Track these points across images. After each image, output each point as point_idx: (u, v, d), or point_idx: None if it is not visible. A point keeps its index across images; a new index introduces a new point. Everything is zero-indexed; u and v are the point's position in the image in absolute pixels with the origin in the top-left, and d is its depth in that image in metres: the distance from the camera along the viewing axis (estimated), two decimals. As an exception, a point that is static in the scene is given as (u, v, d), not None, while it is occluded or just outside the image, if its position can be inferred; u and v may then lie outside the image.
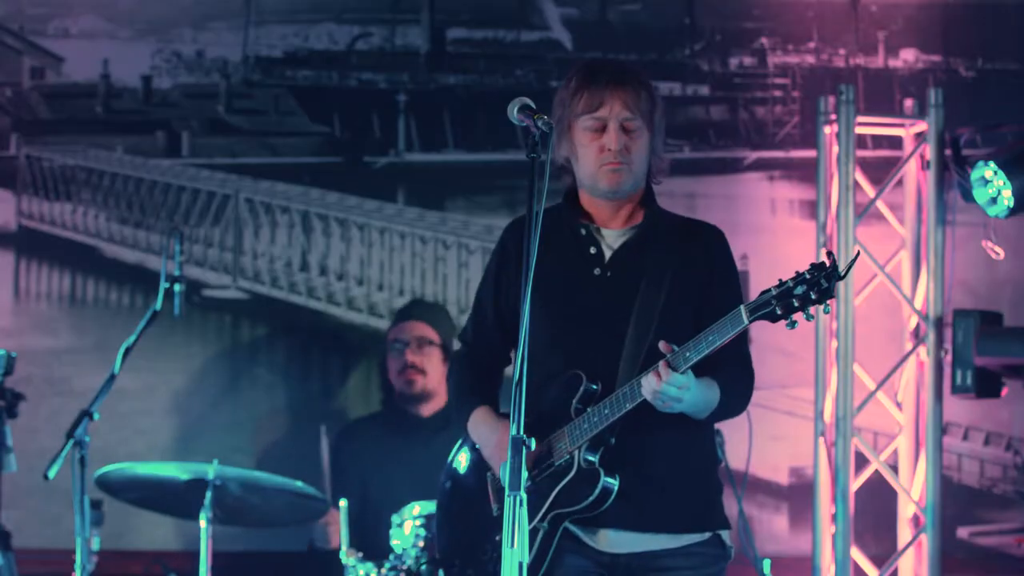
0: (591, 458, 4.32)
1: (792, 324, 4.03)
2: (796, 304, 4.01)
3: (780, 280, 4.07)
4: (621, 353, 4.37)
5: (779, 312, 4.03)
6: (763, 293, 4.07)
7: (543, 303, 4.35)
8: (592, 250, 4.47)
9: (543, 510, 4.35)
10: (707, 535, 4.45)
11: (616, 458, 4.33)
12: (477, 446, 4.59)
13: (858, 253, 4.29)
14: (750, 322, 4.09)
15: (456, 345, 4.85)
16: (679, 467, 4.42)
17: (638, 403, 4.24)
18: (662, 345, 4.19)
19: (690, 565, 4.41)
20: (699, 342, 4.16)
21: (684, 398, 4.21)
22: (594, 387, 4.35)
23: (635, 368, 4.31)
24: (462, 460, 4.70)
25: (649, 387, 4.18)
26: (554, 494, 4.35)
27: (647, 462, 4.36)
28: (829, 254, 4.02)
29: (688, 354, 4.16)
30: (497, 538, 4.25)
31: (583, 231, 4.49)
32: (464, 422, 4.58)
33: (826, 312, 4.09)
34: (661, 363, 4.18)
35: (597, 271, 4.44)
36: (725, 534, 4.50)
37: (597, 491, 4.29)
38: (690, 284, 4.44)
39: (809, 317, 4.03)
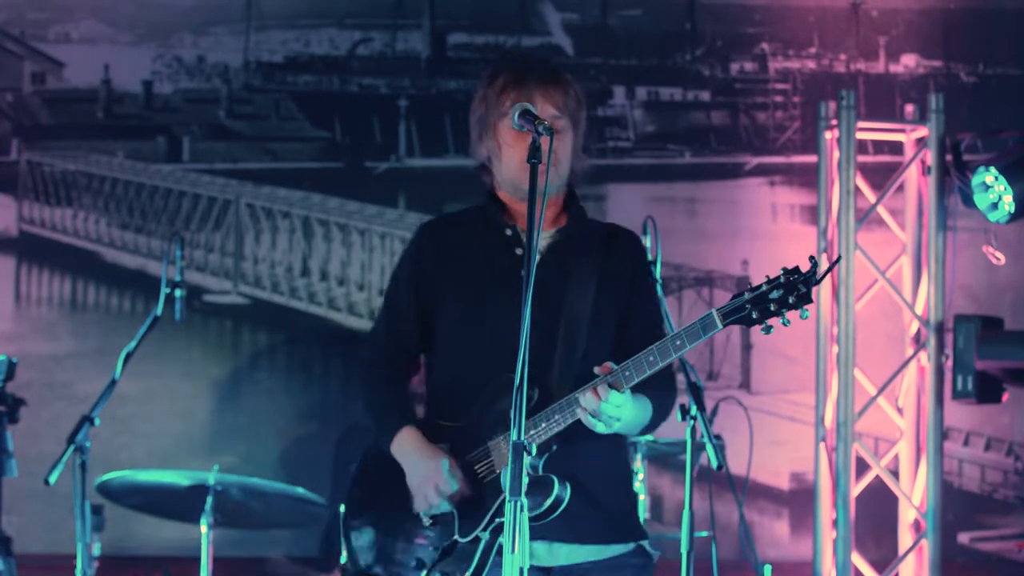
0: (537, 463, 4.19)
1: (768, 329, 3.93)
2: (772, 309, 3.91)
3: (750, 284, 3.98)
4: (554, 357, 4.29)
5: (754, 317, 3.93)
6: (735, 297, 3.98)
7: (470, 304, 4.31)
8: (518, 251, 4.37)
9: (485, 520, 4.21)
10: (632, 546, 4.38)
11: (554, 466, 4.21)
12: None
13: (839, 258, 4.24)
14: (724, 326, 3.98)
15: (366, 346, 4.62)
16: (604, 477, 4.34)
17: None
18: (597, 369, 4.10)
19: None
20: (664, 348, 4.05)
21: (622, 418, 4.13)
22: (528, 393, 4.13)
23: (570, 371, 4.25)
24: (376, 466, 4.48)
25: (590, 406, 4.08)
26: (498, 503, 4.18)
27: (575, 471, 4.23)
28: (811, 259, 3.92)
29: (652, 358, 4.05)
30: (432, 548, 4.22)
31: (508, 232, 4.40)
32: (387, 439, 4.36)
33: (803, 318, 3.97)
34: (600, 383, 4.08)
35: (524, 273, 4.26)
36: (647, 543, 4.43)
37: (551, 499, 4.13)
38: (615, 289, 4.38)
39: (786, 322, 3.94)
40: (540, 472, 4.18)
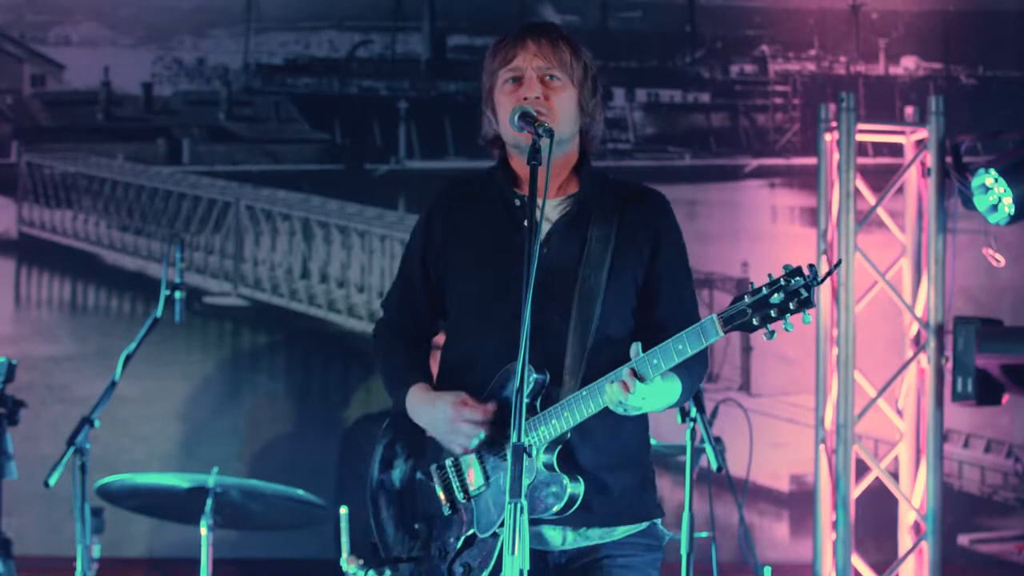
0: (549, 459, 4.09)
1: (771, 335, 3.78)
2: (774, 314, 3.75)
3: (752, 286, 3.81)
4: (567, 334, 4.15)
5: (756, 323, 3.77)
6: (736, 301, 3.82)
7: (478, 279, 4.20)
8: (527, 223, 4.10)
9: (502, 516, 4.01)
10: (643, 525, 4.26)
11: (564, 456, 4.12)
12: (400, 436, 4.33)
13: (839, 262, 4.10)
14: (726, 333, 3.81)
15: (380, 313, 4.57)
16: (612, 461, 4.20)
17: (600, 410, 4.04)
18: (635, 351, 3.98)
19: (625, 554, 4.22)
20: (667, 352, 3.91)
21: (644, 407, 4.03)
22: (540, 376, 4.08)
23: (583, 351, 4.13)
24: (389, 457, 4.40)
25: (614, 398, 3.96)
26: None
27: (584, 459, 4.15)
28: (810, 267, 3.77)
29: (655, 361, 3.93)
30: (452, 539, 4.14)
31: (517, 202, 4.24)
32: (401, 400, 4.31)
33: (806, 322, 3.80)
34: (627, 372, 3.94)
35: (525, 272, 4.01)
36: (659, 522, 4.30)
37: (564, 500, 4.06)
38: (632, 259, 4.23)
39: (788, 327, 3.79)
40: (556, 468, 4.09)
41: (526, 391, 3.91)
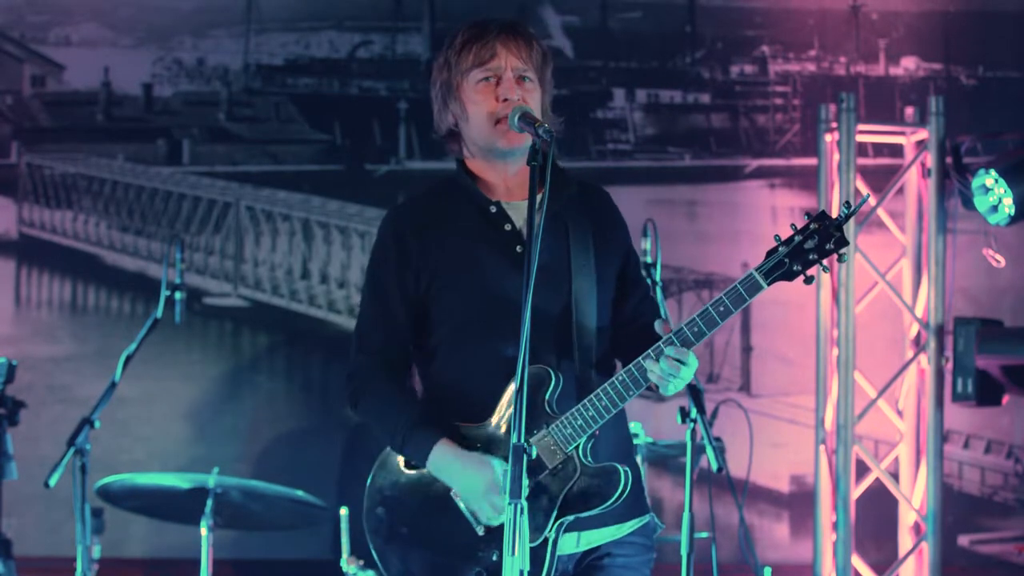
0: (586, 451, 4.05)
1: (809, 280, 3.88)
2: (813, 258, 3.87)
3: (778, 237, 3.89)
4: (571, 334, 4.12)
5: (796, 269, 3.87)
6: (771, 254, 3.90)
7: (468, 291, 4.12)
8: (507, 227, 4.16)
9: (551, 520, 4.03)
10: (644, 520, 4.25)
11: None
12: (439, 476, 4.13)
13: (866, 196, 4.16)
14: (769, 285, 3.91)
15: (356, 353, 4.28)
16: (619, 446, 4.19)
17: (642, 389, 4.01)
18: (661, 327, 3.98)
19: (625, 553, 4.19)
20: (707, 316, 3.93)
21: (690, 377, 4.01)
22: (554, 376, 4.04)
23: (591, 348, 4.13)
24: (398, 480, 4.24)
25: (665, 372, 3.94)
26: (561, 499, 4.03)
27: (601, 446, 4.11)
28: (846, 203, 3.87)
29: (696, 329, 3.93)
30: (495, 557, 4.06)
31: (493, 208, 4.18)
32: (420, 457, 4.12)
33: (842, 262, 3.96)
34: (667, 345, 3.93)
35: (519, 248, 4.11)
36: (652, 516, 4.30)
37: (621, 486, 4.01)
38: (612, 249, 4.25)
39: (826, 269, 3.90)
40: (591, 460, 4.05)
41: (547, 393, 4.00)
